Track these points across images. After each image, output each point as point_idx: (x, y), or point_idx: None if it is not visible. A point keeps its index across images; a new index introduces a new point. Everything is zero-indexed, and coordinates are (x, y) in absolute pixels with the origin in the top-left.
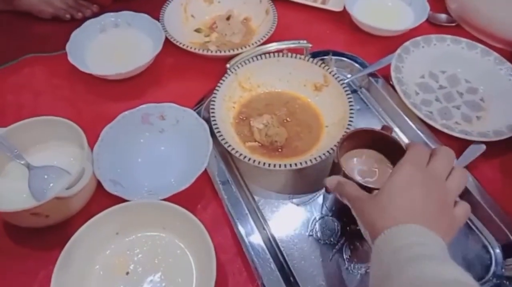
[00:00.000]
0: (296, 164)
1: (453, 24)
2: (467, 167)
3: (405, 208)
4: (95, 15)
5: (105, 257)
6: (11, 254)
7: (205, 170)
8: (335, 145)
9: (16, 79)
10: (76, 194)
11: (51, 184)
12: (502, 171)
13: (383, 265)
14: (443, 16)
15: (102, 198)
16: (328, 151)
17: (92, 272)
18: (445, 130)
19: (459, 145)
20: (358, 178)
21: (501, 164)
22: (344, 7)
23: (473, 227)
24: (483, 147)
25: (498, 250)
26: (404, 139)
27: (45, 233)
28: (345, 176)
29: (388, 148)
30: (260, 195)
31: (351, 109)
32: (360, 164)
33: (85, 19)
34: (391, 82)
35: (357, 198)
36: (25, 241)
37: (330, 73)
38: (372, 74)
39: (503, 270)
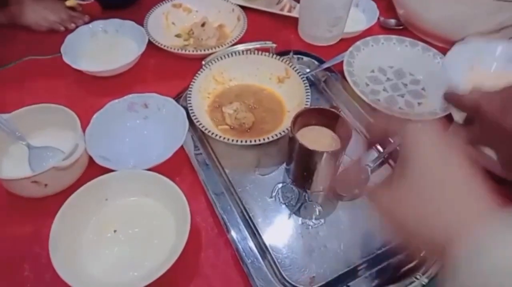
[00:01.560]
0: (259, 140)
1: (401, 27)
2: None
3: None
4: (86, 23)
5: (97, 219)
6: (12, 222)
7: (184, 150)
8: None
9: (17, 77)
10: (71, 164)
11: (50, 160)
12: None
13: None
14: (392, 21)
15: (94, 171)
16: (286, 129)
17: (85, 230)
18: (388, 112)
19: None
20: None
21: None
22: None
23: None
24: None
25: None
26: (355, 123)
27: (45, 202)
28: (299, 145)
29: (334, 123)
30: (231, 169)
31: (307, 95)
32: (311, 135)
33: (77, 27)
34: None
35: None
36: (25, 210)
37: (290, 66)
38: (330, 70)
39: None
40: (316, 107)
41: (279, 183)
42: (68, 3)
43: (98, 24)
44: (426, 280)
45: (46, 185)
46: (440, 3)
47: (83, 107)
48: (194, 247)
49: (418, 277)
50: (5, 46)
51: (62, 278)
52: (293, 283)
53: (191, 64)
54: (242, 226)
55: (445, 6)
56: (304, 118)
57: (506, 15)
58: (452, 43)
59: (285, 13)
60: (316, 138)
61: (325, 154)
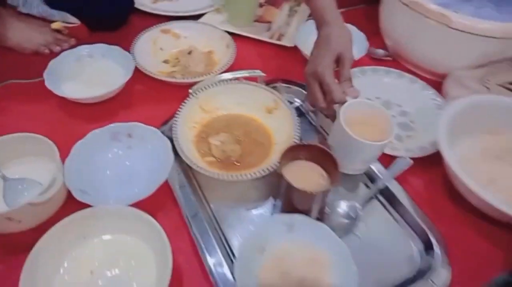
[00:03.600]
0: (245, 175)
1: (390, 58)
2: (396, 179)
3: None
4: (72, 47)
5: (72, 259)
6: None
7: (168, 184)
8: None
9: None
10: (47, 200)
11: (25, 194)
12: (426, 183)
13: None
14: (381, 51)
15: (72, 206)
16: (274, 165)
17: (58, 272)
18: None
19: (391, 161)
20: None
21: (426, 177)
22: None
23: (401, 229)
24: (410, 161)
25: (421, 248)
26: None
27: (18, 238)
28: (286, 183)
29: (323, 159)
30: (216, 203)
31: (296, 128)
32: (299, 172)
33: (62, 51)
34: None
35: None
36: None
37: (279, 97)
38: None
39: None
40: (305, 143)
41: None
42: (53, 26)
43: (84, 49)
44: None
45: (19, 221)
46: (431, 42)
47: (64, 135)
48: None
49: None
50: None
51: None
52: None
53: (178, 91)
54: (226, 268)
55: (431, 39)
56: (293, 152)
57: (491, 50)
58: (439, 76)
59: (274, 41)
60: (304, 173)
61: (314, 194)
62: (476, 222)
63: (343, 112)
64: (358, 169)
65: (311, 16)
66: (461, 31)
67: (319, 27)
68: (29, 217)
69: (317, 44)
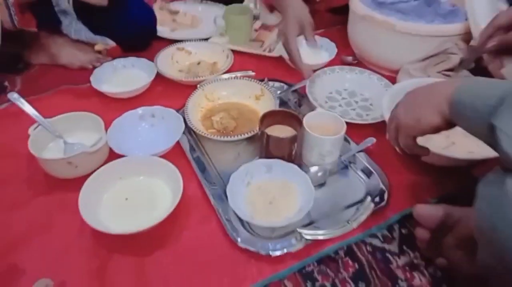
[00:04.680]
0: (236, 136)
1: (356, 62)
2: (363, 150)
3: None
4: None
5: (113, 191)
6: (48, 199)
7: (182, 149)
8: None
9: (55, 101)
10: (96, 151)
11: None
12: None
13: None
14: (350, 58)
15: (114, 159)
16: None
17: (104, 198)
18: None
19: (354, 133)
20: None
21: (379, 138)
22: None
23: (360, 180)
24: (374, 140)
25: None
26: None
27: (77, 181)
28: (266, 135)
29: (291, 120)
30: (218, 162)
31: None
32: (275, 130)
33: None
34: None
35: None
36: (61, 188)
37: (264, 87)
38: (298, 93)
39: None
40: (279, 109)
41: None
42: (96, 47)
43: (119, 61)
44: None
45: (77, 166)
46: (383, 45)
47: (106, 117)
48: (184, 209)
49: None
50: (47, 78)
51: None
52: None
53: (189, 90)
54: (224, 197)
55: (383, 43)
56: (271, 117)
57: (432, 46)
58: (395, 72)
59: (266, 53)
60: (279, 130)
61: (285, 138)
62: (411, 163)
63: (306, 119)
64: (317, 162)
65: None
66: (404, 33)
67: (279, 5)
68: (84, 163)
69: (282, 18)
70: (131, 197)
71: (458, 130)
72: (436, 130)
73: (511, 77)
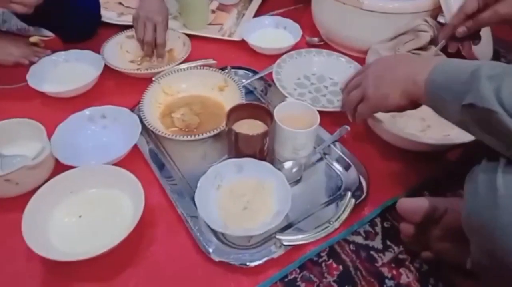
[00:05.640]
0: (198, 136)
1: (322, 43)
2: (338, 140)
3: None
4: (48, 56)
5: (63, 207)
6: None
7: (140, 152)
8: None
9: None
10: (39, 164)
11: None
12: (356, 137)
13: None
14: (315, 39)
15: (60, 172)
16: (222, 126)
17: (53, 218)
18: (313, 107)
19: (327, 121)
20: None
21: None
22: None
23: (337, 172)
24: (348, 128)
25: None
26: None
27: (18, 200)
28: (234, 132)
29: (260, 113)
30: (181, 163)
31: (242, 99)
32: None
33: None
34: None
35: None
36: (1, 210)
37: (228, 77)
38: (264, 80)
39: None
40: (247, 102)
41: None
42: (31, 40)
43: (60, 55)
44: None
45: (17, 183)
46: (351, 24)
47: (48, 121)
48: (149, 222)
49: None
50: None
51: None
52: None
53: (144, 83)
54: (189, 200)
55: (351, 22)
56: (238, 111)
57: (401, 24)
58: (363, 52)
59: (226, 37)
60: (248, 126)
61: (255, 135)
62: (387, 149)
63: (276, 111)
64: (290, 157)
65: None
66: (372, 11)
67: None
68: (26, 179)
69: None
70: (85, 214)
71: (433, 112)
72: (401, 110)
73: (483, 57)
